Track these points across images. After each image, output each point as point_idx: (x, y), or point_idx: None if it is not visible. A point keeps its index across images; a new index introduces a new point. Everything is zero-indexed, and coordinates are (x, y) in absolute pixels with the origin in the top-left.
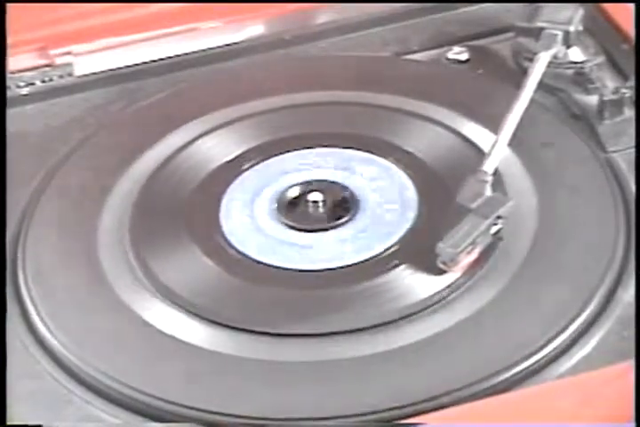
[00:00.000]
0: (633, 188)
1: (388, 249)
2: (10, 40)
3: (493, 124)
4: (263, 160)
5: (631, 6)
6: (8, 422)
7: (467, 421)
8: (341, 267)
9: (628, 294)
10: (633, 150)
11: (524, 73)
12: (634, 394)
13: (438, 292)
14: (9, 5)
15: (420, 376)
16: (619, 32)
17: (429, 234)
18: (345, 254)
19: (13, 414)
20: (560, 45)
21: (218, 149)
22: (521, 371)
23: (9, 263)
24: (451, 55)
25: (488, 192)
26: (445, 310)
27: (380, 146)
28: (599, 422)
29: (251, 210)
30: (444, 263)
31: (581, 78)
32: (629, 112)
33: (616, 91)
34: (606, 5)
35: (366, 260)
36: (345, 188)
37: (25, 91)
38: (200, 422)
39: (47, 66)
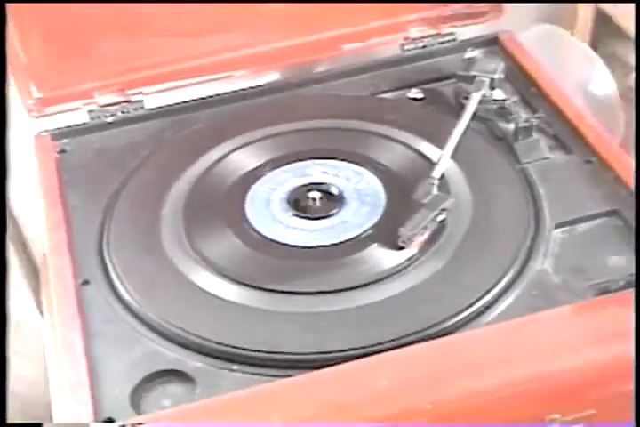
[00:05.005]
0: (540, 188)
1: (364, 232)
2: (98, 84)
3: (440, 143)
4: (276, 168)
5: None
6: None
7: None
8: (330, 245)
9: (536, 263)
10: (541, 162)
11: (462, 108)
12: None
13: (400, 263)
14: (97, 57)
15: (387, 323)
16: (527, 79)
17: (394, 222)
18: (333, 236)
19: (94, 347)
20: (487, 88)
21: (244, 161)
22: (461, 319)
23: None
24: (410, 95)
25: (435, 191)
26: (405, 276)
27: (360, 158)
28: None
29: (268, 203)
30: (404, 242)
31: (503, 111)
32: (536, 135)
33: (527, 120)
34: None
35: (348, 239)
36: (335, 188)
37: (110, 119)
38: (214, 356)
39: (125, 102)
